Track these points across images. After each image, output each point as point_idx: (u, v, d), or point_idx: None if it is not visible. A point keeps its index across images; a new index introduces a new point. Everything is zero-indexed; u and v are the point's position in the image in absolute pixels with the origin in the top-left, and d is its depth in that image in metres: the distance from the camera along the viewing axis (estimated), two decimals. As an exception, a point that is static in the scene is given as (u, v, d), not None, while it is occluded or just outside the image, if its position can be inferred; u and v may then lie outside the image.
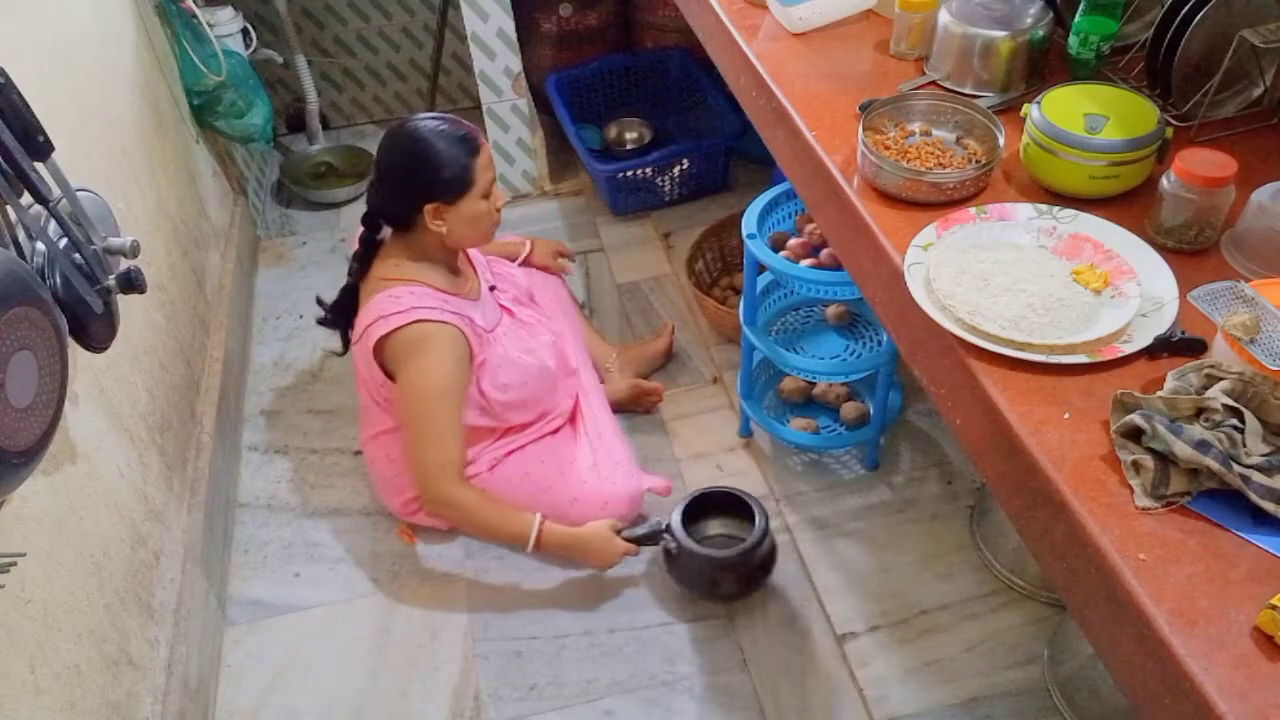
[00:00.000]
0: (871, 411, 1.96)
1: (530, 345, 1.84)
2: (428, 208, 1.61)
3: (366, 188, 1.73)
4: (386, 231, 1.73)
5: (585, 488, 1.81)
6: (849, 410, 1.99)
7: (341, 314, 1.79)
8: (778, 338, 2.00)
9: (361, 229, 1.72)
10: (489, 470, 1.84)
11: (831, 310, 2.01)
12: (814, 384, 2.05)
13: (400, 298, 1.64)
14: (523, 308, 1.93)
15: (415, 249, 1.69)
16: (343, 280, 1.78)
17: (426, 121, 1.61)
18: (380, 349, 1.66)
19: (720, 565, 1.72)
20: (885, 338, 1.89)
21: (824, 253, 1.80)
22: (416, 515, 1.90)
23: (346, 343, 1.84)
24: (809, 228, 1.84)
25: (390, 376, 1.70)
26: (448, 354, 1.64)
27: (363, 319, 1.69)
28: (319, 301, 1.83)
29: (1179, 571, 0.83)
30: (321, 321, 1.83)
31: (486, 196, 1.65)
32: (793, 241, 1.84)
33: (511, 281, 1.96)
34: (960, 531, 1.87)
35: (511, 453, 1.85)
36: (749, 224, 1.79)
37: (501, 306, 1.87)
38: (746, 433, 2.08)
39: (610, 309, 2.42)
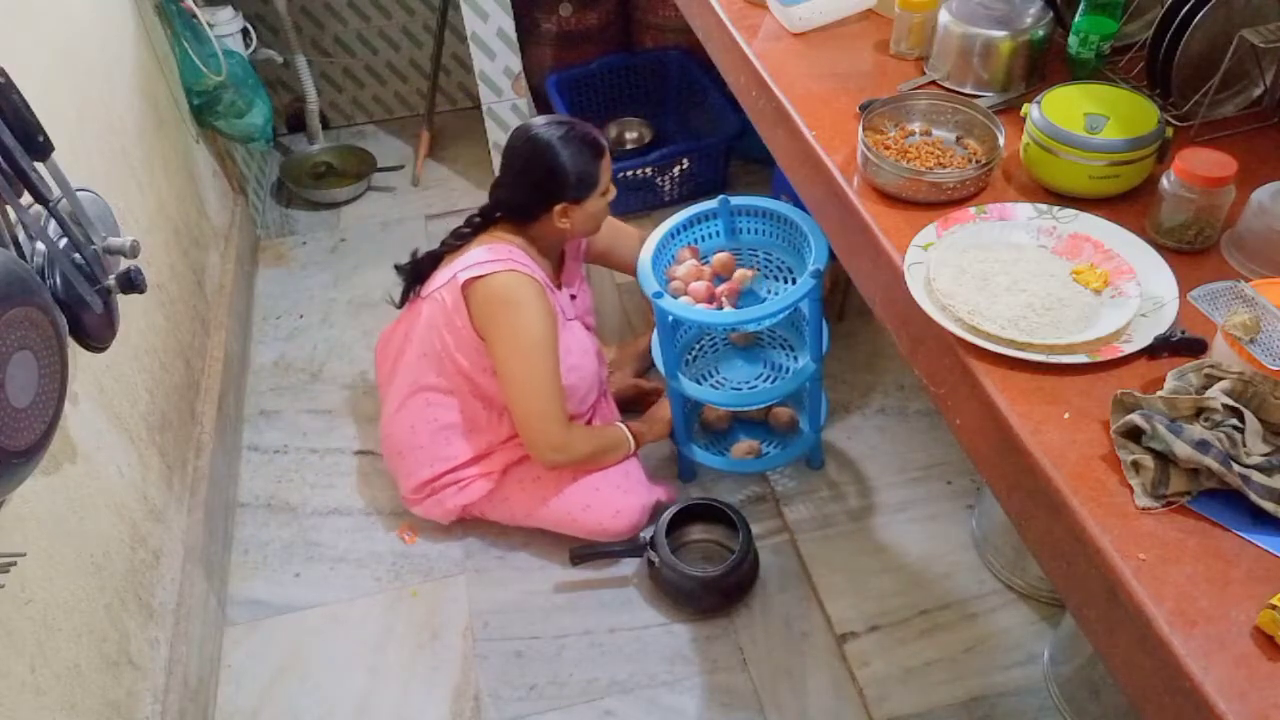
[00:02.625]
0: (801, 418, 1.96)
1: (590, 348, 1.90)
2: (557, 208, 1.72)
3: (492, 185, 1.82)
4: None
5: (598, 494, 1.82)
6: (778, 417, 1.98)
7: (416, 271, 1.86)
8: (693, 369, 1.95)
9: (477, 216, 1.81)
10: (502, 472, 1.85)
11: (736, 334, 1.97)
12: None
13: (498, 249, 1.73)
14: (581, 322, 1.97)
15: (524, 234, 1.79)
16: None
17: (557, 128, 1.72)
18: (469, 289, 1.71)
19: (703, 584, 1.73)
20: (807, 353, 1.83)
21: (723, 287, 1.79)
22: (424, 503, 1.89)
23: (405, 298, 1.90)
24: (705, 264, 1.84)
25: (473, 318, 1.74)
26: (541, 306, 1.71)
27: (455, 266, 1.74)
28: (414, 254, 1.89)
29: (1179, 571, 0.83)
30: (399, 268, 1.90)
31: (605, 194, 1.77)
32: (683, 271, 1.81)
33: (584, 299, 1.99)
34: (960, 531, 1.87)
35: (525, 458, 1.85)
36: (649, 284, 1.71)
37: (576, 316, 1.92)
38: (688, 476, 2.00)
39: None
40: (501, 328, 1.71)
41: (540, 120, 1.75)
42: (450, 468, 1.85)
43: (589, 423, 1.94)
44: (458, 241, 1.81)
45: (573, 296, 1.92)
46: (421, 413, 1.84)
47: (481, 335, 1.74)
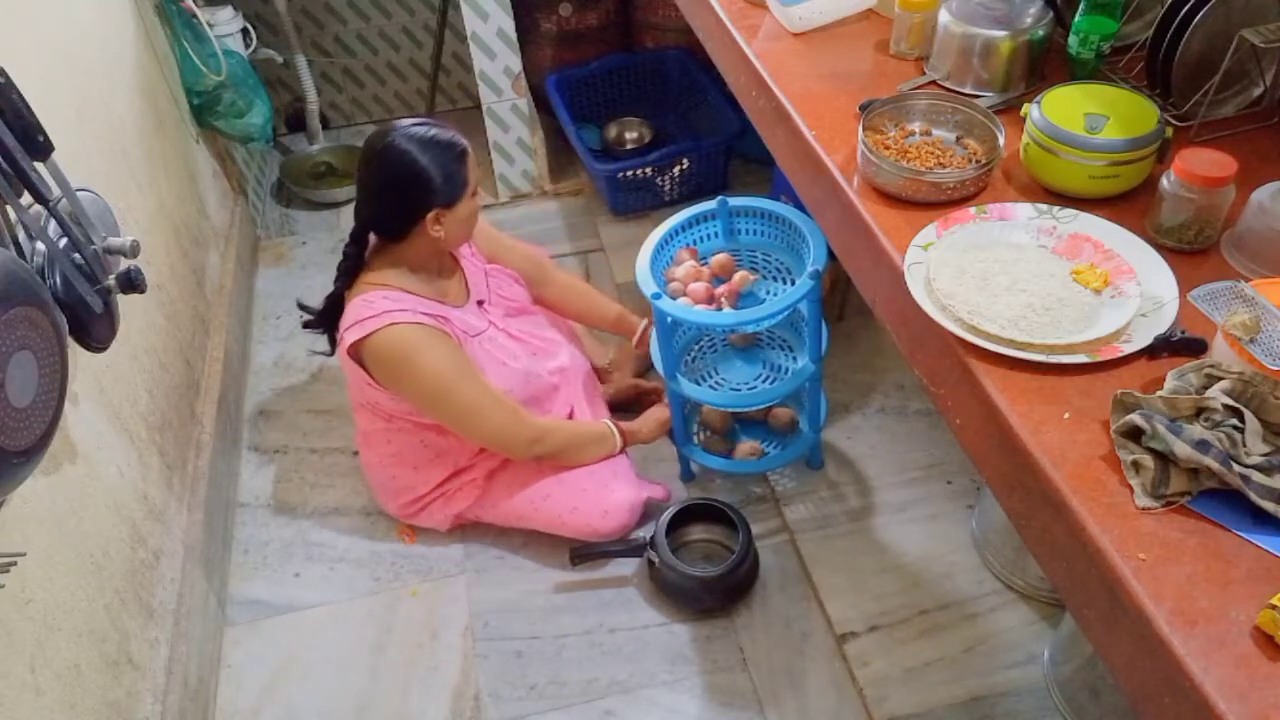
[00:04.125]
0: (801, 419, 1.96)
1: (515, 353, 1.83)
2: (429, 216, 1.63)
3: (354, 208, 1.71)
4: (372, 241, 1.74)
5: (585, 495, 1.81)
6: (779, 417, 1.98)
7: (326, 319, 1.77)
8: (693, 370, 1.94)
9: (349, 242, 1.71)
10: (486, 478, 1.85)
11: (735, 335, 1.96)
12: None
13: (373, 302, 1.64)
14: (512, 320, 1.91)
15: (398, 257, 1.70)
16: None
17: (412, 130, 1.61)
18: (357, 353, 1.66)
19: (703, 584, 1.73)
20: (805, 354, 1.83)
21: (722, 288, 1.78)
22: (417, 516, 1.90)
23: (334, 343, 1.82)
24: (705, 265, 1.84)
25: (374, 378, 1.69)
26: (435, 347, 1.64)
27: (341, 324, 1.69)
28: (300, 305, 1.82)
29: (1179, 571, 0.83)
30: (307, 325, 1.82)
31: (475, 194, 1.69)
32: (681, 273, 1.80)
33: (505, 295, 1.93)
34: (960, 531, 1.87)
35: (508, 461, 1.84)
36: (647, 285, 1.69)
37: (490, 322, 1.84)
38: (688, 476, 2.00)
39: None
40: (405, 383, 1.66)
41: (397, 126, 1.61)
42: (431, 488, 1.85)
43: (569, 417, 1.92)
44: (345, 274, 1.72)
45: (480, 302, 1.84)
46: (385, 449, 1.83)
47: (392, 389, 1.69)
